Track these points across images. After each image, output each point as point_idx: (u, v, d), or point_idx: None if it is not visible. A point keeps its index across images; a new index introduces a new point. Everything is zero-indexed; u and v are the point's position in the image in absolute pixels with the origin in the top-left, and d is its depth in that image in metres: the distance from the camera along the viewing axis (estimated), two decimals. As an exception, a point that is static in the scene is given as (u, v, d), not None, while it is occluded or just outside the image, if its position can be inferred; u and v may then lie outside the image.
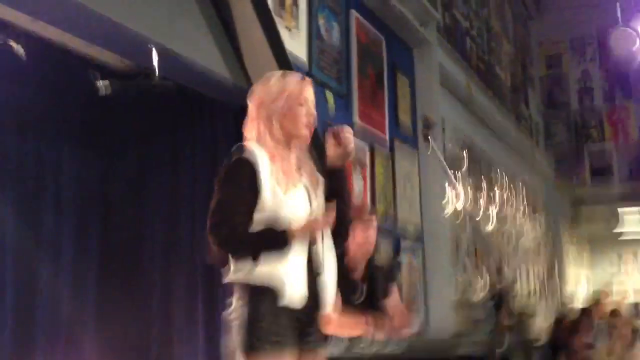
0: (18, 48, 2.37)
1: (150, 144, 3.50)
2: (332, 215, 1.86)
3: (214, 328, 3.11)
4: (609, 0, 6.88)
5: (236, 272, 1.85)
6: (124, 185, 3.41)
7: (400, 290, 3.53)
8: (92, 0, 2.42)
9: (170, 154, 3.49)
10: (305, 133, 1.96)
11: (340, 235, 2.01)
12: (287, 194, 1.86)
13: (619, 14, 5.31)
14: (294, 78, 2.00)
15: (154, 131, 3.49)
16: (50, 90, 3.02)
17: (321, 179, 2.01)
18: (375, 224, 3.17)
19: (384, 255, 4.15)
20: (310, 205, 1.91)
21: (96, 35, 2.71)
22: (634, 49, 5.28)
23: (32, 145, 3.02)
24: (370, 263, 3.21)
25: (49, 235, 3.08)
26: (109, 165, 3.38)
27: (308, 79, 2.03)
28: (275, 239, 1.82)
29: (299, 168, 1.94)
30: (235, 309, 1.84)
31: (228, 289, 1.89)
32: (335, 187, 2.02)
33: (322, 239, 1.92)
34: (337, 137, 2.00)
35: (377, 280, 3.17)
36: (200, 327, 3.22)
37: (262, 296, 1.80)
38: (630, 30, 5.23)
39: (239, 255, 1.84)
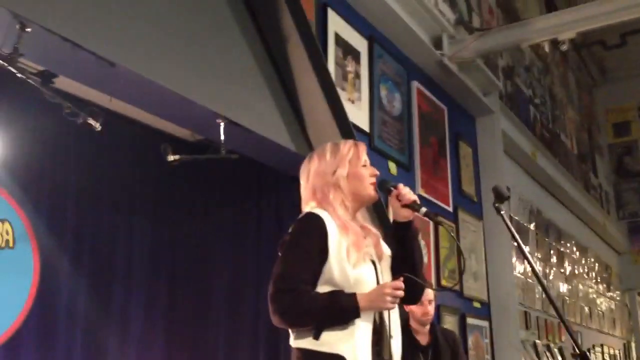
0: (96, 124, 2.49)
1: (216, 214, 3.57)
2: (400, 293, 1.77)
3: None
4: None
5: (298, 338, 1.77)
6: (190, 254, 3.46)
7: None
8: (165, 79, 2.53)
9: (235, 223, 3.54)
10: (374, 192, 1.95)
11: (411, 302, 1.92)
12: (356, 268, 1.79)
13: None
14: (348, 144, 2.00)
15: (221, 202, 3.57)
16: (124, 162, 3.16)
17: (387, 251, 1.96)
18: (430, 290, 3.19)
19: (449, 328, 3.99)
20: (378, 281, 1.85)
21: (168, 111, 2.83)
22: None
23: (105, 216, 3.12)
24: (434, 328, 3.18)
25: (118, 303, 3.14)
26: (177, 235, 3.46)
27: (361, 142, 2.04)
28: (340, 316, 1.74)
29: (365, 238, 1.88)
30: None
31: (291, 355, 1.81)
32: (405, 242, 1.94)
33: None
34: (399, 196, 1.94)
35: (442, 346, 3.14)
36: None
37: None
38: None
39: (300, 326, 1.77)
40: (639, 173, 9.80)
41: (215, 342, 3.41)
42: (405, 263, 1.91)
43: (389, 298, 1.74)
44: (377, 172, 1.98)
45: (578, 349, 1.64)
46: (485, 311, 5.01)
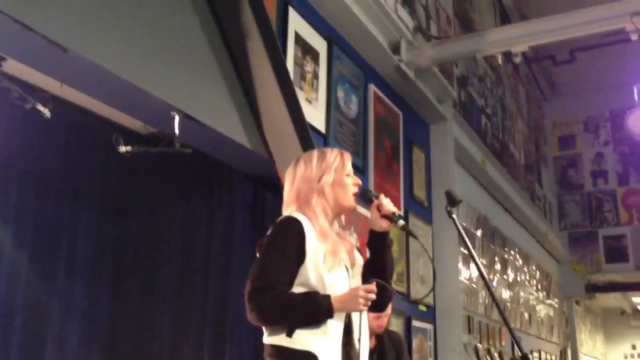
0: (45, 111, 2.41)
1: (165, 210, 3.51)
2: (373, 296, 1.82)
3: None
4: (622, 84, 7.00)
5: (272, 335, 1.83)
6: (136, 249, 3.39)
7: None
8: (118, 67, 2.47)
9: (185, 220, 3.48)
10: (354, 202, 2.01)
11: (377, 309, 1.96)
12: (331, 273, 1.86)
13: (636, 97, 5.37)
14: (334, 152, 2.06)
15: (171, 197, 3.50)
16: (74, 152, 3.07)
17: (359, 258, 2.01)
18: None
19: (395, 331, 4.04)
20: (349, 286, 1.90)
21: (121, 101, 2.76)
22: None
23: (51, 204, 3.03)
24: (382, 332, 3.22)
25: (61, 293, 3.05)
26: (123, 228, 3.38)
27: (347, 152, 2.09)
28: (314, 316, 1.79)
29: (339, 245, 1.93)
30: None
31: (264, 351, 1.86)
32: (379, 252, 1.99)
33: None
34: (379, 206, 2.00)
35: (387, 348, 3.18)
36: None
37: None
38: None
39: (276, 325, 1.82)
40: (582, 186, 10.16)
41: (160, 345, 3.34)
42: (377, 272, 1.96)
43: (361, 300, 1.80)
44: (360, 182, 2.06)
45: (520, 350, 1.69)
46: (430, 314, 5.09)
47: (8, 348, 2.79)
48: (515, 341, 1.80)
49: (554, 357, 9.10)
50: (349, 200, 1.99)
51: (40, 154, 2.97)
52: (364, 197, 2.03)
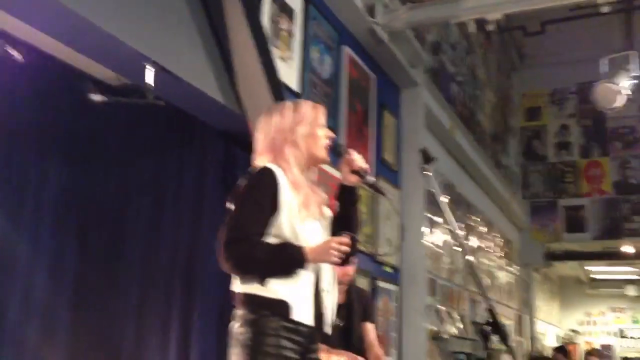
0: (18, 55, 2.36)
1: (137, 162, 3.49)
2: (346, 248, 1.86)
3: (187, 350, 3.07)
4: (590, 58, 7.11)
5: (244, 283, 1.87)
6: (106, 200, 3.38)
7: (375, 327, 3.54)
8: (92, 14, 2.43)
9: (156, 173, 3.47)
10: (326, 154, 2.04)
11: (342, 262, 2.01)
12: (304, 225, 1.90)
13: (606, 69, 5.47)
14: (308, 104, 2.09)
15: (143, 150, 3.48)
16: (44, 100, 3.02)
17: (328, 212, 2.04)
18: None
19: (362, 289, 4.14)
20: (322, 238, 1.95)
21: (95, 50, 2.72)
22: (616, 105, 5.42)
23: (19, 150, 2.99)
24: (351, 289, 3.28)
25: (28, 242, 3.03)
26: (92, 179, 3.35)
27: (320, 105, 2.11)
28: (288, 266, 1.84)
29: (311, 197, 1.97)
30: (241, 322, 1.84)
31: (234, 299, 1.90)
32: (348, 206, 2.04)
33: None
34: (349, 161, 2.04)
35: (355, 305, 3.25)
36: (173, 345, 3.16)
37: (271, 310, 1.82)
38: (614, 86, 5.36)
39: (250, 275, 1.85)
40: (545, 157, 10.37)
41: (128, 297, 3.35)
42: (344, 225, 2.00)
43: (334, 252, 1.84)
44: (333, 135, 2.08)
45: (494, 319, 1.75)
46: (395, 276, 5.20)
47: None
48: (490, 307, 1.90)
49: (511, 322, 9.41)
50: (321, 151, 2.02)
51: (9, 102, 2.91)
52: (335, 150, 2.07)
